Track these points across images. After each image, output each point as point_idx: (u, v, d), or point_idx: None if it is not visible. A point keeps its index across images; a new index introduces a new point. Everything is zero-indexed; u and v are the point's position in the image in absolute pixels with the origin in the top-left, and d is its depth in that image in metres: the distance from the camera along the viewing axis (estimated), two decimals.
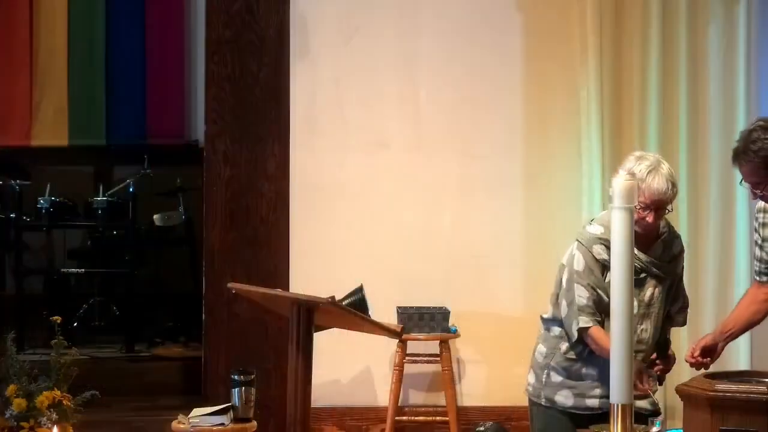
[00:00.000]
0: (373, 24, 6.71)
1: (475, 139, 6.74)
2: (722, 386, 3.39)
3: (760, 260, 4.79)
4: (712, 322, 6.54)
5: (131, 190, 8.54)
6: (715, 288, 6.59)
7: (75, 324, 8.45)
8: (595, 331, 4.69)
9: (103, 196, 8.74)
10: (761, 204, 4.70)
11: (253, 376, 5.23)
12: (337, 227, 6.69)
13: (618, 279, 3.19)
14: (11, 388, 4.80)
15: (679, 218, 6.56)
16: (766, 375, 3.74)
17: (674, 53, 6.64)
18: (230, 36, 6.61)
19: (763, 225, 4.75)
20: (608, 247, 4.55)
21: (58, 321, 5.00)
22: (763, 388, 3.36)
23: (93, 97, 9.34)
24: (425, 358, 6.56)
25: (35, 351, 7.35)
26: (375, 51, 6.72)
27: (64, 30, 9.23)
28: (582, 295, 4.72)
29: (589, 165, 6.57)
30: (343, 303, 4.84)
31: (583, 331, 4.73)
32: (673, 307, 4.92)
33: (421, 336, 6.46)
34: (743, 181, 4.59)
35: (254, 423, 5.26)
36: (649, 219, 4.68)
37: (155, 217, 8.67)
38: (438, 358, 6.50)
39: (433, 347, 6.53)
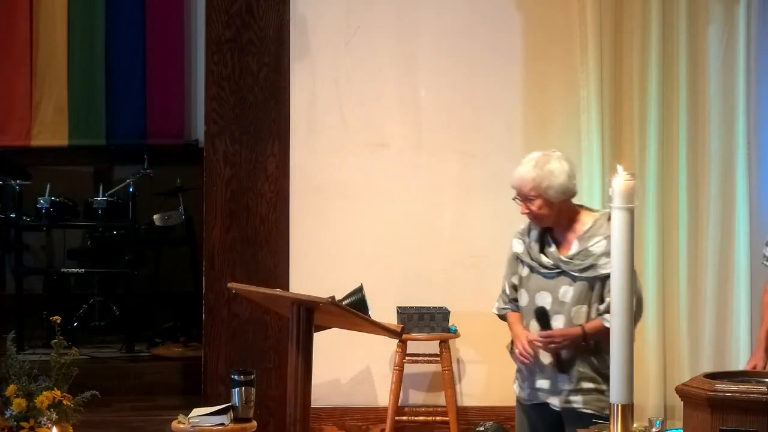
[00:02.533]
0: (373, 24, 6.71)
1: (475, 139, 6.74)
2: (722, 386, 3.39)
3: None
4: (712, 322, 6.54)
5: (131, 190, 8.54)
6: (715, 288, 6.58)
7: (75, 324, 8.45)
8: (508, 317, 5.02)
9: (103, 196, 8.75)
10: None
11: (253, 376, 5.24)
12: (337, 227, 6.69)
13: (618, 279, 3.19)
14: (11, 388, 4.80)
15: (679, 218, 6.56)
16: (766, 375, 3.73)
17: (674, 53, 6.64)
18: (230, 36, 6.61)
19: None
20: (524, 242, 4.92)
21: (58, 321, 5.00)
22: (763, 388, 3.36)
23: (93, 97, 9.34)
24: (425, 358, 6.56)
25: (35, 351, 7.36)
26: (375, 51, 6.72)
27: (64, 30, 9.23)
28: (502, 283, 5.05)
29: (589, 165, 6.57)
30: (343, 303, 4.84)
31: (497, 315, 5.09)
32: (601, 307, 4.83)
33: (421, 336, 6.46)
34: None
35: (254, 423, 5.26)
36: (523, 209, 4.84)
37: (155, 217, 8.67)
38: (438, 358, 6.50)
39: (433, 347, 6.53)
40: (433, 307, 6.54)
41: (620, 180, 3.21)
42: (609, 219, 4.76)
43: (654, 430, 3.93)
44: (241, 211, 6.62)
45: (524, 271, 4.91)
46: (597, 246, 4.77)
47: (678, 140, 6.63)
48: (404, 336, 6.26)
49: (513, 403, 5.13)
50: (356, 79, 6.71)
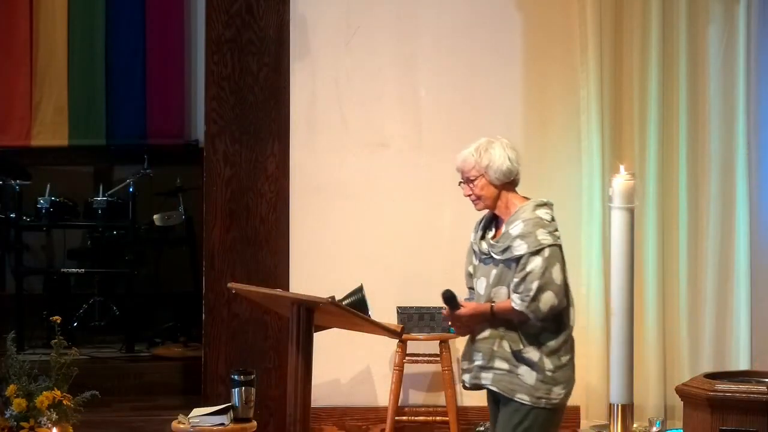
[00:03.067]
0: (373, 24, 6.72)
1: (475, 139, 6.71)
2: (722, 386, 3.40)
3: None
4: (712, 322, 6.54)
5: (131, 190, 8.54)
6: (715, 288, 6.58)
7: (75, 324, 8.45)
8: None
9: (103, 196, 8.74)
10: None
11: (253, 376, 5.25)
12: (337, 227, 6.69)
13: (618, 279, 3.20)
14: (11, 388, 4.81)
15: (679, 218, 6.56)
16: (766, 375, 3.74)
17: (674, 53, 6.65)
18: (230, 36, 6.61)
19: None
20: (475, 231, 5.03)
21: (58, 321, 5.01)
22: (763, 388, 3.37)
23: (93, 97, 9.33)
24: (425, 358, 6.56)
25: (35, 351, 7.36)
26: (375, 51, 6.72)
27: (64, 30, 9.23)
28: None
29: (589, 164, 6.57)
30: (343, 303, 4.85)
31: None
32: (511, 287, 4.85)
33: (421, 336, 6.46)
34: None
35: (254, 423, 5.27)
36: (466, 191, 4.97)
37: (155, 217, 8.67)
38: (438, 358, 6.50)
39: (433, 347, 6.53)
40: (433, 307, 6.53)
41: (620, 180, 3.21)
42: (538, 206, 4.87)
43: (654, 430, 3.94)
44: (241, 211, 6.63)
45: (476, 260, 4.97)
46: (514, 228, 4.84)
47: (678, 140, 6.64)
48: (404, 336, 6.26)
49: None
50: (356, 79, 6.71)
